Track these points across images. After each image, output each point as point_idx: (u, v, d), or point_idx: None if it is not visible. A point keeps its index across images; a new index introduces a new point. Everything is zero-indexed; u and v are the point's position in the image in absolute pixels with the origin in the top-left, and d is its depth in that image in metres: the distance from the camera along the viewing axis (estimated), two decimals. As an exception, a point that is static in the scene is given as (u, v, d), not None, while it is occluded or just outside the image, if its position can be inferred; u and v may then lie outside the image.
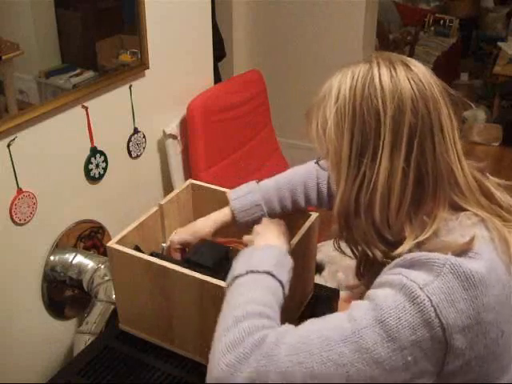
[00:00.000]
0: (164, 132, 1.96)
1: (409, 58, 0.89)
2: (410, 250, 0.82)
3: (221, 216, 1.30)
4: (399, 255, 0.83)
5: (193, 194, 1.46)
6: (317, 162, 1.09)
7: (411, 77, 0.84)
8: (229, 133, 2.13)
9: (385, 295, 0.77)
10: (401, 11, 4.94)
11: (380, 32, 3.83)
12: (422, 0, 5.32)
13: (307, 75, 3.17)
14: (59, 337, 1.70)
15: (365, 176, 0.85)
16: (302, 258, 1.28)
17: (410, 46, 4.45)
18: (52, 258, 1.60)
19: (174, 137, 1.98)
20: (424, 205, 0.84)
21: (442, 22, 4.94)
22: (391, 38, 4.45)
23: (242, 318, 0.83)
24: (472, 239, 0.79)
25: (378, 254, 0.87)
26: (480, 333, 0.76)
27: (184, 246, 1.30)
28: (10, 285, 1.50)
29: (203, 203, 1.46)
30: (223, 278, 1.16)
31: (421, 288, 0.75)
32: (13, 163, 1.41)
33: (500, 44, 4.35)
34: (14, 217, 1.44)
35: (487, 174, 0.92)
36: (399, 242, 0.85)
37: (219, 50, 2.64)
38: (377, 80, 0.84)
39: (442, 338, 0.74)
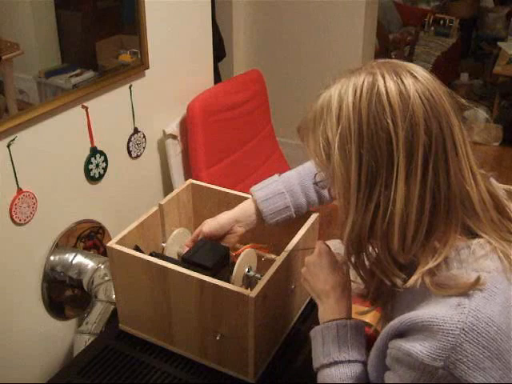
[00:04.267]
0: (164, 132, 1.96)
1: (413, 66, 0.81)
2: (422, 279, 0.79)
3: (245, 206, 1.24)
4: (413, 286, 0.79)
5: (193, 194, 1.46)
6: (315, 183, 1.02)
7: (421, 91, 0.77)
8: (229, 133, 2.13)
9: (411, 381, 0.75)
10: (401, 11, 4.94)
11: (380, 32, 3.84)
12: (422, 0, 5.33)
13: (307, 75, 3.17)
14: (59, 337, 1.70)
15: (379, 204, 0.78)
16: (302, 258, 1.28)
17: (409, 46, 4.45)
18: (52, 257, 1.60)
19: (174, 137, 1.98)
20: (436, 230, 0.79)
21: (441, 21, 4.95)
22: (391, 38, 4.45)
23: None
24: (478, 280, 0.75)
25: (399, 282, 0.82)
26: (509, 370, 0.75)
27: (211, 239, 1.26)
28: (10, 285, 1.50)
29: (203, 203, 1.46)
30: (223, 278, 1.16)
31: (441, 367, 0.72)
32: (13, 163, 1.41)
33: (500, 44, 4.36)
34: (14, 217, 1.44)
35: (496, 182, 0.88)
36: (411, 266, 0.82)
37: (219, 50, 2.64)
38: (384, 97, 0.76)
39: None
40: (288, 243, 1.22)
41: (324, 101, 0.82)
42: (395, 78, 0.78)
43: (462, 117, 0.82)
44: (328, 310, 0.99)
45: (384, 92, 0.77)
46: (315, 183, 1.03)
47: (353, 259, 0.88)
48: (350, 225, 0.82)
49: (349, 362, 0.93)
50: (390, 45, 4.33)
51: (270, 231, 1.38)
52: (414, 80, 0.78)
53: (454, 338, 0.72)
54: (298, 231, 1.26)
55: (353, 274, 0.97)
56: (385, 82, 0.77)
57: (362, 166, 0.78)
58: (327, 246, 1.05)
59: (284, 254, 1.19)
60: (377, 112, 0.76)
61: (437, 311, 0.75)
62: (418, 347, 0.74)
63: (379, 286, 0.90)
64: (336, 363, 0.93)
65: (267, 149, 2.38)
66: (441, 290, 0.77)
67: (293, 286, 1.27)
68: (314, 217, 1.31)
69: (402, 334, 0.79)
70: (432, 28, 4.95)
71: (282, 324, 1.30)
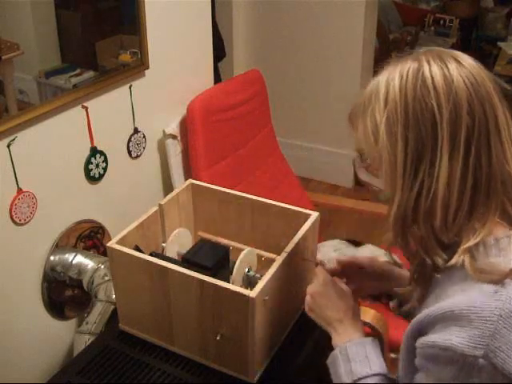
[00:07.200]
0: (164, 132, 1.96)
1: (458, 53, 0.85)
2: (462, 261, 0.81)
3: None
4: (455, 265, 0.81)
5: (193, 194, 1.46)
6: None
7: (465, 75, 0.80)
8: (229, 133, 2.13)
9: (449, 378, 0.75)
10: (401, 11, 4.94)
11: (380, 32, 3.83)
12: (422, 0, 5.32)
13: (307, 75, 3.17)
14: (59, 337, 1.70)
15: (423, 183, 0.81)
16: (302, 258, 1.28)
17: (409, 46, 4.45)
18: (52, 257, 1.60)
19: (174, 137, 1.98)
20: (476, 210, 0.81)
21: (442, 21, 4.95)
22: (391, 38, 4.45)
23: None
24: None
25: (439, 261, 0.84)
26: None
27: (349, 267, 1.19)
28: (10, 285, 1.49)
29: (203, 203, 1.46)
30: (223, 278, 1.16)
31: (482, 357, 0.72)
32: (13, 163, 1.40)
33: (500, 44, 4.36)
34: (14, 217, 1.44)
35: None
36: (453, 246, 0.83)
37: (219, 50, 2.64)
38: (429, 80, 0.80)
39: None
40: (288, 243, 1.22)
41: (372, 87, 0.87)
42: (440, 62, 0.82)
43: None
44: (343, 335, 1.01)
45: (429, 76, 0.80)
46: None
47: (399, 239, 0.89)
48: (396, 204, 0.85)
49: (372, 375, 0.94)
50: (390, 45, 4.33)
51: (270, 231, 1.38)
52: (458, 65, 0.81)
53: (492, 325, 0.72)
54: (298, 231, 1.26)
55: None
56: (430, 67, 0.81)
57: (408, 146, 0.81)
58: (328, 273, 1.09)
59: (284, 254, 1.19)
60: (422, 94, 0.80)
61: (474, 299, 0.76)
62: (455, 339, 0.74)
63: (420, 268, 0.92)
64: (359, 379, 0.94)
65: (267, 149, 2.38)
66: (478, 274, 0.78)
67: (293, 286, 1.27)
68: (313, 217, 1.31)
69: (432, 324, 0.79)
70: (432, 28, 4.94)
71: (282, 324, 1.30)
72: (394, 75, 0.84)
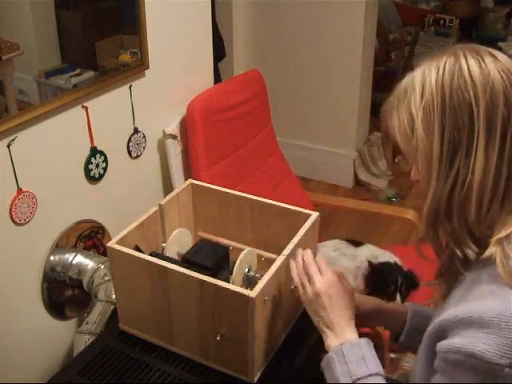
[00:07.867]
0: (164, 132, 1.96)
1: (493, 49, 0.86)
2: (494, 256, 0.81)
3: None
4: (485, 262, 0.81)
5: (193, 194, 1.46)
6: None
7: (501, 68, 0.82)
8: (229, 133, 2.13)
9: None
10: (401, 11, 4.94)
11: (380, 32, 3.83)
12: (422, 0, 5.33)
13: (307, 75, 3.17)
14: (59, 337, 1.70)
15: (458, 174, 0.82)
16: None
17: (409, 46, 4.45)
18: (52, 257, 1.60)
19: (174, 137, 1.98)
20: (508, 202, 0.82)
21: (441, 21, 4.95)
22: (391, 38, 4.45)
23: None
24: None
25: (471, 254, 0.84)
26: None
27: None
28: (9, 285, 1.49)
29: (203, 203, 1.46)
30: (223, 278, 1.16)
31: (508, 366, 0.72)
32: (13, 163, 1.40)
33: (500, 44, 4.36)
34: (14, 217, 1.44)
35: None
36: (485, 239, 0.83)
37: (219, 50, 2.63)
38: (466, 72, 0.81)
39: None
40: (288, 243, 1.22)
41: (407, 82, 0.88)
42: (476, 56, 0.83)
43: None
44: (339, 336, 1.00)
45: (466, 68, 0.82)
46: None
47: (430, 234, 0.89)
48: (430, 197, 0.85)
49: (372, 375, 0.93)
50: (390, 45, 4.33)
51: (270, 231, 1.38)
52: (494, 59, 0.83)
53: None
54: (298, 231, 1.26)
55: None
56: (467, 60, 0.82)
57: (444, 136, 0.82)
58: (334, 273, 1.08)
59: (283, 255, 1.19)
60: (459, 86, 0.81)
61: (504, 307, 0.75)
62: (482, 346, 0.74)
63: (449, 262, 0.92)
64: (359, 379, 0.93)
65: (267, 149, 2.38)
66: (509, 275, 0.78)
67: (293, 286, 1.27)
68: (314, 216, 1.31)
69: (457, 326, 0.78)
70: (432, 28, 4.95)
71: (282, 324, 1.30)
72: (431, 69, 0.84)
